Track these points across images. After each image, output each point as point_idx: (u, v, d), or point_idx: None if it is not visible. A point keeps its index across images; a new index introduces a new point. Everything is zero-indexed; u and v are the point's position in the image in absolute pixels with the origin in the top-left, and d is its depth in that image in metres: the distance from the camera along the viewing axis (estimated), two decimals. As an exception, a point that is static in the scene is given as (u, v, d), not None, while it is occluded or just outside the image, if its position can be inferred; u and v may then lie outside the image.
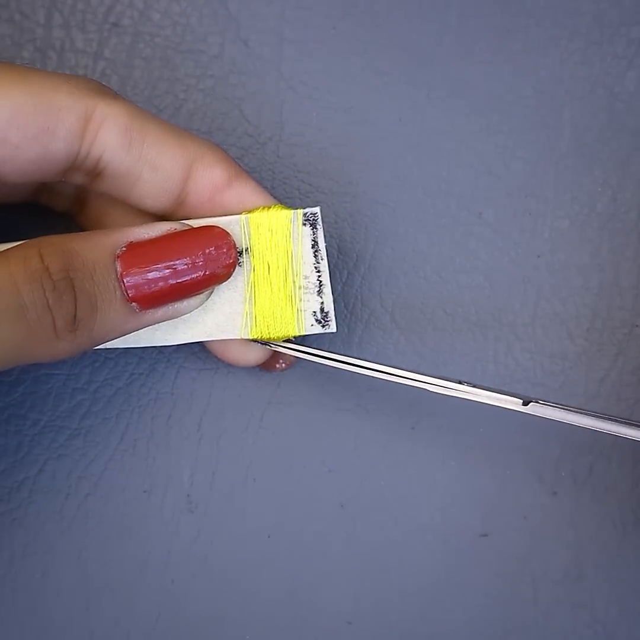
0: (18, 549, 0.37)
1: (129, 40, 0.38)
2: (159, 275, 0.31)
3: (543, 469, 0.38)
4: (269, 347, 0.35)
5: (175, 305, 0.32)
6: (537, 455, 0.37)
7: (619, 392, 0.37)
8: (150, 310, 0.32)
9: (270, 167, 0.38)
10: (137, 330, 0.32)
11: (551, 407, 0.33)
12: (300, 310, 0.34)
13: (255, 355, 0.36)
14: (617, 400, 0.37)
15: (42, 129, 0.30)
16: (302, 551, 0.38)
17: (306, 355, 0.34)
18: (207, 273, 0.32)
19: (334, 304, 0.34)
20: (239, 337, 0.34)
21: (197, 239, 0.32)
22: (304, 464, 0.38)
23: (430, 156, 0.37)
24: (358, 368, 0.34)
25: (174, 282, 0.31)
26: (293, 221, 0.33)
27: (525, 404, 0.33)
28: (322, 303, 0.34)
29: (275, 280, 0.33)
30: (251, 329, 0.34)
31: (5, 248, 0.30)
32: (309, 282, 0.33)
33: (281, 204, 0.34)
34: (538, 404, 0.33)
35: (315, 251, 0.33)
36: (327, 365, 0.34)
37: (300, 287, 0.33)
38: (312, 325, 0.34)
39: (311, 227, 0.33)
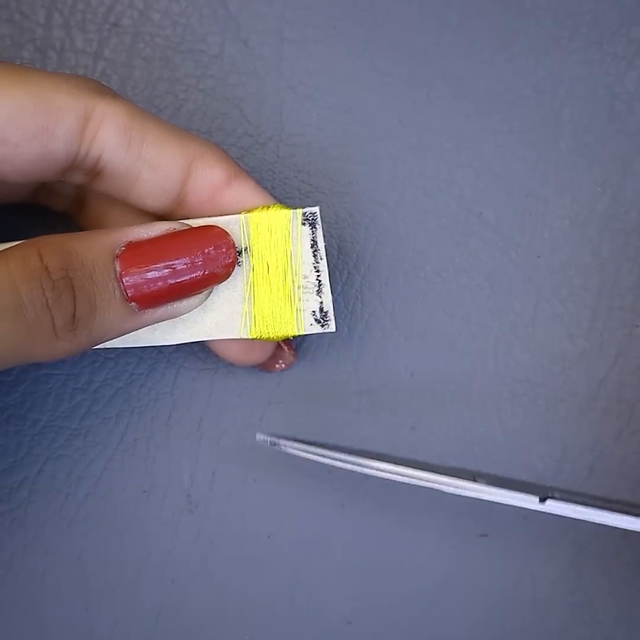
0: (18, 549, 0.37)
1: (129, 40, 0.38)
2: (158, 275, 0.31)
3: (543, 469, 0.37)
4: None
5: (175, 305, 0.32)
6: (538, 455, 0.37)
7: (620, 393, 0.37)
8: (150, 310, 0.31)
9: (270, 167, 0.38)
10: (137, 329, 0.32)
11: (568, 503, 0.33)
12: (300, 310, 0.33)
13: (256, 354, 0.36)
14: (617, 401, 0.37)
15: (42, 129, 0.30)
16: (302, 551, 0.38)
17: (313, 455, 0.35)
18: (206, 273, 0.32)
19: (333, 303, 0.33)
20: (239, 337, 0.34)
21: (196, 239, 0.32)
22: (304, 464, 0.38)
23: (430, 156, 0.37)
24: (370, 469, 0.34)
25: (173, 281, 0.31)
26: (292, 221, 0.33)
27: (542, 500, 0.33)
28: (321, 303, 0.33)
29: (274, 280, 0.33)
30: (250, 329, 0.34)
31: (5, 248, 0.29)
32: (308, 281, 0.33)
33: (281, 203, 0.34)
34: (554, 500, 0.33)
35: (315, 251, 0.33)
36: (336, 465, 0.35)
37: (299, 287, 0.33)
38: (311, 324, 0.34)
39: (310, 227, 0.33)
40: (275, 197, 0.37)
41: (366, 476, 0.37)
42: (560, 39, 0.37)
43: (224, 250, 0.32)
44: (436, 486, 0.34)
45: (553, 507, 0.33)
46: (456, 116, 0.38)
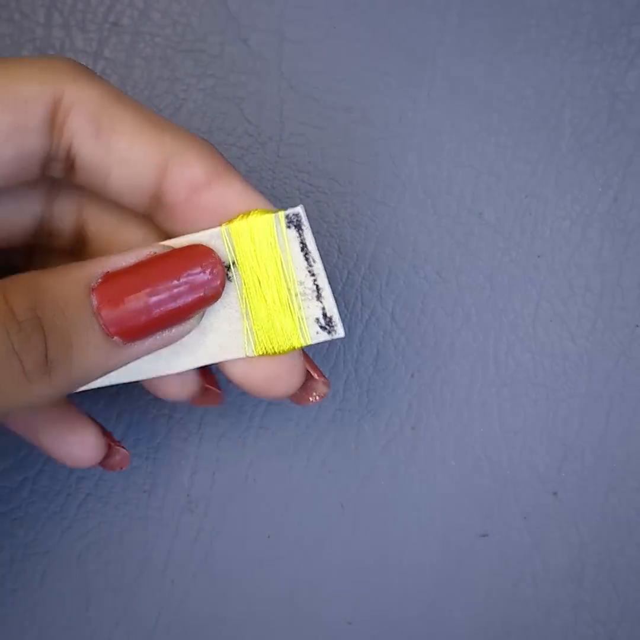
0: (18, 549, 0.37)
1: (129, 40, 0.38)
2: (140, 305, 0.28)
3: (543, 469, 0.38)
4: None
5: (165, 334, 0.30)
6: (538, 455, 0.37)
7: (622, 393, 0.37)
8: (137, 342, 0.29)
9: (270, 167, 0.38)
10: (126, 363, 0.30)
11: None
12: (302, 319, 0.31)
13: (282, 386, 0.32)
14: (620, 401, 0.37)
15: (13, 128, 0.28)
16: (302, 551, 0.38)
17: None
18: (194, 297, 0.29)
19: (337, 307, 0.31)
20: (244, 356, 0.31)
21: (179, 261, 0.29)
22: (304, 464, 0.38)
23: (430, 156, 0.37)
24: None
25: (158, 310, 0.29)
26: (276, 226, 0.30)
27: None
28: (323, 308, 0.31)
29: (268, 292, 0.31)
30: (255, 345, 0.31)
31: None
32: (305, 287, 0.31)
33: (272, 204, 0.31)
34: None
35: (306, 254, 0.31)
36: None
37: (296, 294, 0.31)
38: (317, 332, 0.31)
39: (296, 229, 0.30)
40: (275, 197, 0.37)
41: (366, 476, 0.38)
42: (560, 39, 0.37)
43: (210, 270, 0.29)
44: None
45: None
46: (456, 116, 0.37)
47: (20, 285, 0.27)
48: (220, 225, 0.30)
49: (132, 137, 0.29)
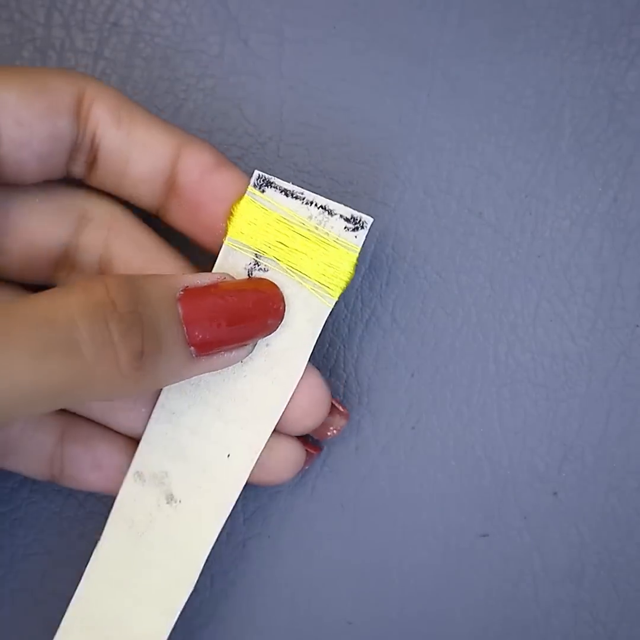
0: (18, 550, 0.37)
1: (129, 40, 0.38)
2: (214, 323, 0.30)
3: (543, 469, 0.37)
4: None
5: (225, 355, 0.32)
6: (538, 455, 0.37)
7: (622, 393, 0.37)
8: (205, 357, 0.31)
9: (270, 167, 0.38)
10: (190, 377, 0.32)
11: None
12: (337, 238, 0.33)
13: (311, 420, 0.35)
14: (621, 401, 0.37)
15: (48, 107, 0.31)
16: (302, 551, 0.38)
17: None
18: (258, 324, 0.32)
19: (347, 206, 0.33)
20: (330, 307, 0.33)
21: (250, 290, 0.32)
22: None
23: (430, 156, 0.37)
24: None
25: (228, 330, 0.31)
26: (255, 198, 0.33)
27: None
28: (341, 216, 0.33)
29: (298, 246, 0.33)
30: (330, 292, 0.33)
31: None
32: (315, 216, 0.33)
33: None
34: None
35: (292, 195, 0.33)
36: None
37: (316, 227, 0.33)
38: (356, 236, 0.32)
39: (269, 186, 0.33)
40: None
41: (366, 476, 0.38)
42: (560, 39, 0.37)
43: (275, 302, 0.32)
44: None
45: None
46: (456, 116, 0.37)
47: (120, 279, 0.29)
48: (222, 243, 0.33)
49: (149, 125, 0.32)
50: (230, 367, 0.33)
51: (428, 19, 0.37)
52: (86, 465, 0.34)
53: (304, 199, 0.33)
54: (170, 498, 0.34)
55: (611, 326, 0.37)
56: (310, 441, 0.36)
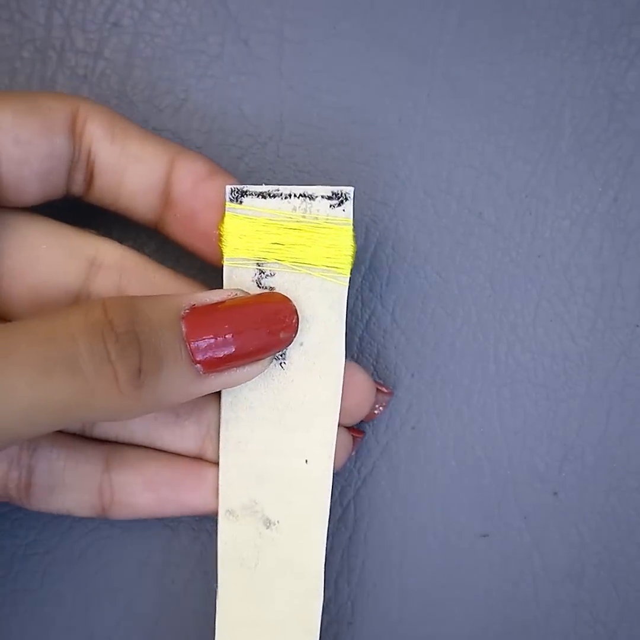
0: (18, 550, 0.37)
1: (129, 40, 0.38)
2: (222, 340, 0.30)
3: (543, 469, 0.37)
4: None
5: (237, 371, 0.32)
6: (538, 455, 0.37)
7: (622, 393, 0.37)
8: (213, 374, 0.31)
9: (270, 167, 0.38)
10: (199, 395, 0.32)
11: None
12: (328, 218, 0.33)
13: (366, 407, 0.36)
14: (621, 401, 0.37)
15: (44, 126, 0.32)
16: (302, 551, 0.38)
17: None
18: (269, 339, 0.31)
19: (322, 185, 0.33)
20: (346, 286, 0.33)
21: (259, 305, 0.32)
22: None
23: (430, 156, 0.37)
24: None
25: (238, 346, 0.31)
26: (236, 211, 0.33)
27: None
28: (321, 196, 0.33)
29: (292, 240, 0.33)
30: (341, 270, 0.33)
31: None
32: (298, 207, 0.33)
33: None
34: None
35: (268, 195, 0.33)
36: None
37: (303, 217, 0.33)
38: (343, 210, 0.33)
39: (244, 196, 0.33)
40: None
41: (366, 476, 0.38)
42: (560, 39, 0.37)
43: (287, 315, 0.32)
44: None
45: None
46: (456, 116, 0.37)
47: (119, 300, 0.29)
48: (222, 264, 0.33)
49: (142, 140, 0.33)
50: (274, 378, 0.33)
51: (428, 19, 0.38)
52: (138, 488, 0.34)
53: (281, 194, 0.33)
54: (268, 523, 0.34)
55: (611, 326, 0.37)
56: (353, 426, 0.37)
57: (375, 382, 0.36)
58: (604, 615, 0.38)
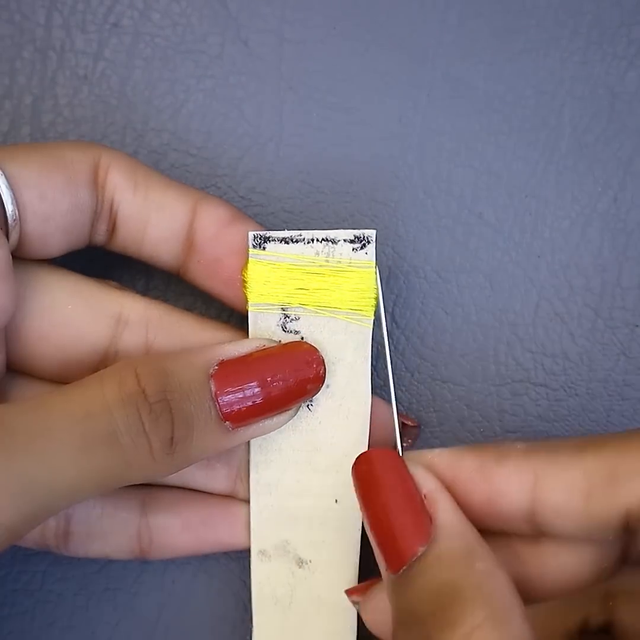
0: (18, 550, 0.37)
1: (129, 40, 0.38)
2: (251, 394, 0.31)
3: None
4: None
5: (265, 422, 0.32)
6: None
7: (622, 393, 0.37)
8: (242, 428, 0.31)
9: (270, 167, 0.38)
10: (227, 449, 0.32)
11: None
12: (351, 262, 0.33)
13: None
14: (620, 401, 0.37)
15: (68, 180, 0.32)
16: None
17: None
18: (297, 390, 0.32)
19: (342, 229, 0.33)
20: (370, 327, 0.33)
21: (287, 356, 0.32)
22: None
23: (430, 156, 0.37)
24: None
25: (266, 399, 0.31)
26: (259, 257, 0.33)
27: None
28: (343, 239, 0.33)
29: (318, 284, 0.33)
30: (365, 313, 0.33)
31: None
32: (321, 251, 0.33)
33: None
34: None
35: (292, 240, 0.33)
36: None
37: (326, 260, 0.33)
38: (366, 253, 0.33)
39: (267, 242, 0.33)
40: (275, 198, 0.37)
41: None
42: (560, 39, 0.37)
43: (314, 366, 0.32)
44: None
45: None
46: (456, 116, 0.37)
47: (151, 366, 0.30)
48: (247, 309, 0.33)
49: (164, 188, 0.33)
50: (302, 420, 0.34)
51: (428, 19, 0.38)
52: (176, 529, 0.35)
53: (304, 239, 0.33)
54: (300, 562, 0.34)
55: (611, 326, 0.37)
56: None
57: (401, 415, 0.36)
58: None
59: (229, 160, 0.38)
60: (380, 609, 0.30)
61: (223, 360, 0.31)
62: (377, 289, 0.33)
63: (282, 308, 0.33)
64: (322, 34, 0.38)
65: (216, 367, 0.31)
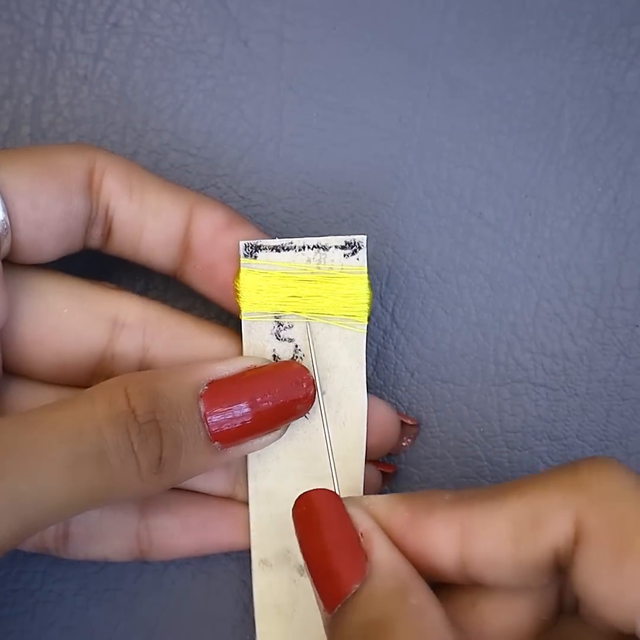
0: (18, 550, 0.37)
1: (129, 40, 0.38)
2: (240, 414, 0.30)
3: (544, 469, 0.37)
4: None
5: (254, 441, 0.32)
6: (538, 455, 0.37)
7: (622, 393, 0.37)
8: (232, 448, 0.31)
9: (270, 167, 0.38)
10: (216, 467, 0.32)
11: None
12: (342, 268, 0.33)
13: (392, 441, 0.36)
14: (620, 401, 0.37)
15: (61, 187, 0.31)
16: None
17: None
18: (287, 410, 0.32)
19: (333, 236, 0.33)
20: (364, 332, 0.33)
21: (277, 375, 0.32)
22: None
23: (430, 156, 0.37)
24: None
25: (256, 419, 0.31)
26: (251, 266, 0.33)
27: None
28: (334, 246, 0.33)
29: (310, 291, 0.33)
30: (359, 318, 0.33)
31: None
32: (312, 258, 0.33)
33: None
34: None
35: (282, 248, 0.33)
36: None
37: (317, 268, 0.33)
38: (357, 258, 0.33)
39: (258, 251, 0.33)
40: (275, 198, 0.37)
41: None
42: (560, 39, 0.37)
43: (304, 385, 0.32)
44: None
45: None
46: (456, 116, 0.37)
47: (141, 386, 0.29)
48: (240, 318, 0.33)
49: (160, 192, 0.33)
50: (299, 428, 0.34)
51: (428, 19, 0.38)
52: (175, 530, 0.35)
53: (295, 247, 0.33)
54: (302, 570, 0.34)
55: (611, 326, 0.37)
56: (382, 460, 0.37)
57: (399, 414, 0.36)
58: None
59: (229, 160, 0.38)
60: None
61: (213, 380, 0.31)
62: (370, 294, 0.33)
63: (275, 316, 0.33)
64: (322, 34, 0.38)
65: (206, 387, 0.30)
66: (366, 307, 0.33)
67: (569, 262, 0.37)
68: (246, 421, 0.31)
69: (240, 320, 0.33)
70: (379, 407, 0.35)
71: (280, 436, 0.33)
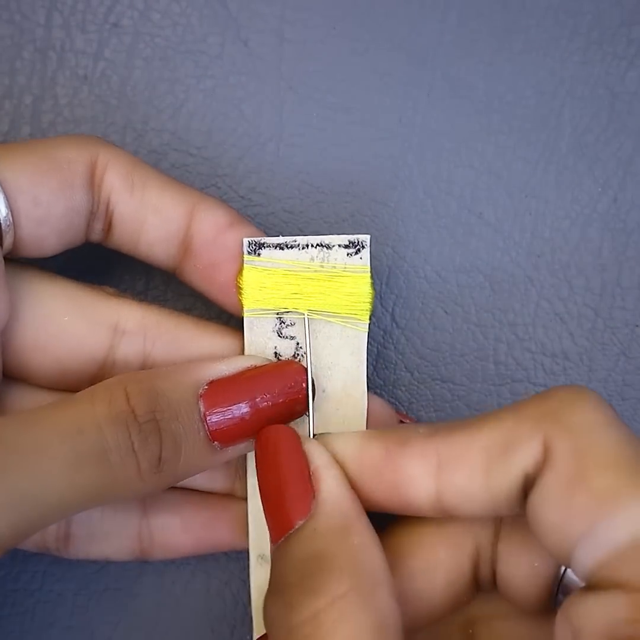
0: (18, 550, 0.37)
1: (129, 40, 0.38)
2: (239, 413, 0.30)
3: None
4: None
5: (252, 441, 0.32)
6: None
7: (622, 392, 0.37)
8: (231, 447, 0.31)
9: (270, 167, 0.38)
10: (215, 466, 0.32)
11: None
12: (345, 267, 0.33)
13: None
14: (620, 401, 0.37)
15: (63, 183, 0.31)
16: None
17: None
18: (286, 409, 0.32)
19: (338, 234, 0.33)
20: (366, 331, 0.33)
21: (277, 375, 0.32)
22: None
23: (430, 156, 0.37)
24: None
25: (255, 418, 0.31)
26: (254, 263, 0.33)
27: None
28: (339, 244, 0.33)
29: (312, 289, 0.33)
30: (361, 316, 0.33)
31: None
32: (316, 256, 0.33)
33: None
34: None
35: (286, 246, 0.33)
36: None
37: (321, 266, 0.33)
38: (361, 258, 0.33)
39: (262, 248, 0.33)
40: (275, 198, 0.37)
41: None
42: (560, 39, 0.37)
43: (304, 385, 0.32)
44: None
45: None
46: (456, 116, 0.37)
47: (140, 385, 0.30)
48: (243, 315, 0.33)
49: (162, 189, 0.33)
50: (299, 425, 0.33)
51: (428, 19, 0.38)
52: (176, 529, 0.35)
53: (298, 245, 0.33)
54: None
55: (611, 326, 0.37)
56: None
57: (398, 412, 0.36)
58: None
59: (229, 160, 0.38)
60: None
61: (213, 380, 0.31)
62: (372, 293, 0.33)
63: (277, 314, 0.33)
64: (322, 34, 0.38)
65: (206, 387, 0.30)
66: (368, 306, 0.33)
67: (569, 262, 0.37)
68: (245, 421, 0.31)
69: (242, 317, 0.33)
70: (379, 407, 0.35)
71: None
